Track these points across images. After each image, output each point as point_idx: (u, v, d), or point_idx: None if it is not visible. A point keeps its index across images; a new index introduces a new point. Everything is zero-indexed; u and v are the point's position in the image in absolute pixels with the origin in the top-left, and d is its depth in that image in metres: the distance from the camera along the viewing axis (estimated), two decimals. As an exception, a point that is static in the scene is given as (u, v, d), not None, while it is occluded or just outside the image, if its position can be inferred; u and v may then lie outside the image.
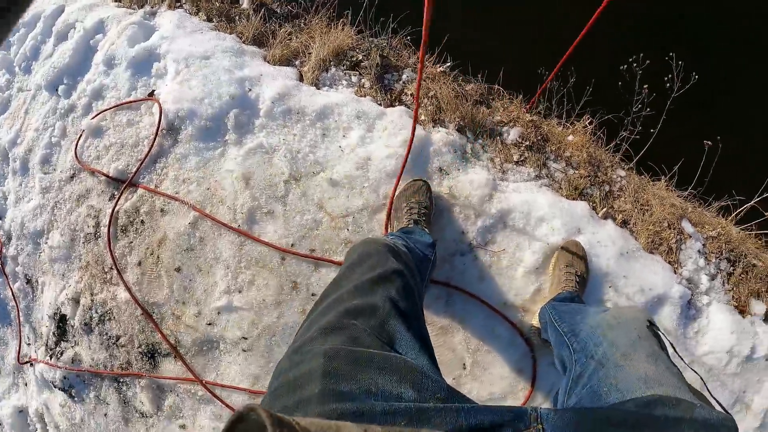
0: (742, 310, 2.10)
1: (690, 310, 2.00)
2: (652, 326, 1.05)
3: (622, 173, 2.13)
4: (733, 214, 2.23)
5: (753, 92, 2.81)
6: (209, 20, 2.30)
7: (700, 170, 2.23)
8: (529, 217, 1.87)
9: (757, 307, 2.10)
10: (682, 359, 1.09)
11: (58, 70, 2.79)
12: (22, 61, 3.18)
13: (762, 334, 1.99)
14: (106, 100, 2.50)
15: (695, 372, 1.06)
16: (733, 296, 2.11)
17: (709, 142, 2.18)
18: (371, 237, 1.24)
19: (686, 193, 2.27)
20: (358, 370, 0.68)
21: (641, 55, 2.16)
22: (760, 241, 2.26)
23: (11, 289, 2.70)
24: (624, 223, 2.04)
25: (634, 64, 2.15)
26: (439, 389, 0.71)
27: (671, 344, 1.06)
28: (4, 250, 2.75)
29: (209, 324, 2.04)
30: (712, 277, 2.11)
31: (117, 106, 2.40)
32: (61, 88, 2.75)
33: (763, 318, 2.09)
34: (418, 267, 1.26)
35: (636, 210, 2.06)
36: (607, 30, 2.67)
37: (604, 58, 2.30)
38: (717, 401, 0.91)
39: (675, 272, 2.03)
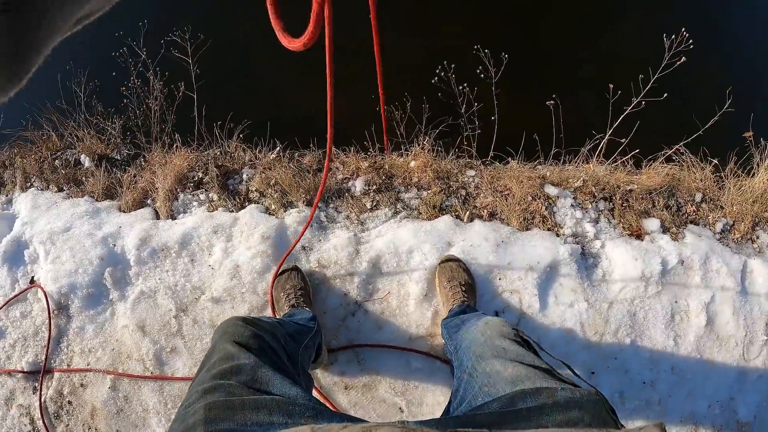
0: (638, 234, 2.29)
1: (587, 261, 2.15)
2: (518, 335, 1.19)
3: (472, 173, 2.32)
4: (595, 155, 2.42)
5: (561, 48, 3.12)
6: (60, 190, 2.41)
7: (554, 131, 2.45)
8: (399, 254, 2.03)
9: (650, 224, 2.28)
10: (551, 356, 1.18)
11: (-57, 283, 2.81)
12: None
13: (666, 244, 2.18)
14: (-6, 299, 2.56)
15: (563, 362, 1.14)
16: (623, 227, 2.29)
17: (551, 102, 2.39)
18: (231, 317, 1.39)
19: (540, 161, 2.46)
20: (233, 413, 0.81)
21: (444, 62, 2.37)
22: (628, 167, 2.47)
23: None
24: (492, 216, 2.21)
25: (442, 73, 2.36)
26: (307, 410, 0.85)
27: (539, 345, 1.20)
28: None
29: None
30: (596, 221, 2.29)
31: (6, 303, 2.46)
32: (-49, 300, 2.77)
33: (661, 230, 2.27)
34: (293, 334, 1.38)
35: (498, 199, 2.24)
36: (406, 57, 2.94)
37: (416, 79, 2.52)
38: (586, 381, 1.00)
39: (558, 235, 2.19)
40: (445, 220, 2.07)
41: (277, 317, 1.84)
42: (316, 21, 0.80)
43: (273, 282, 1.91)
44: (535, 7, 3.15)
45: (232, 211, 2.11)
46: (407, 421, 0.80)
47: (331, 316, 1.95)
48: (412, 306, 1.98)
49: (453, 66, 2.27)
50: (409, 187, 2.15)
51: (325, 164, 1.21)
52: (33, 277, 2.40)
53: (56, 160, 2.48)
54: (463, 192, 2.18)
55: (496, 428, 0.80)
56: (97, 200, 2.36)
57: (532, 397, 0.86)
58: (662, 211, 2.34)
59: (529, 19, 3.19)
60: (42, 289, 2.30)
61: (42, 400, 2.32)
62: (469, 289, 1.91)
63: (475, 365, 1.11)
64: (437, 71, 2.30)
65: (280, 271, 1.92)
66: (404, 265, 1.99)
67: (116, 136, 2.41)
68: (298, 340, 1.40)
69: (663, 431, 0.56)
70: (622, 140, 2.41)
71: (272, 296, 1.92)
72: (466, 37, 2.69)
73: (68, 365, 2.26)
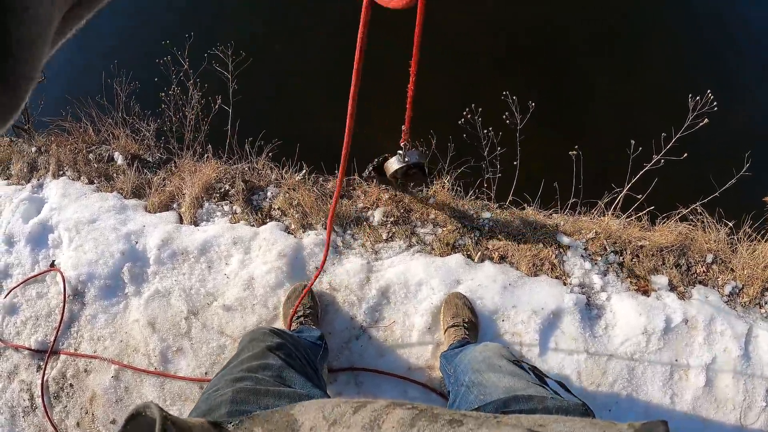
0: (645, 290, 2.33)
1: (591, 311, 2.21)
2: (513, 358, 1.27)
3: (489, 215, 2.40)
4: (611, 208, 2.48)
5: (587, 101, 3.20)
6: (91, 182, 2.53)
7: (574, 181, 2.52)
8: (408, 286, 2.11)
9: (658, 281, 2.33)
10: (548, 377, 1.20)
11: (-38, 255, 2.94)
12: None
13: (672, 302, 2.22)
14: (13, 277, 2.68)
15: (558, 383, 1.20)
16: (631, 282, 2.33)
17: (574, 152, 2.46)
18: (260, 326, 1.47)
19: (555, 210, 2.54)
20: (258, 398, 0.90)
21: (473, 105, 2.45)
22: (642, 223, 2.51)
23: (-35, 479, 2.74)
24: (502, 259, 2.29)
25: (469, 115, 2.44)
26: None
27: (535, 368, 1.24)
28: (-49, 439, 2.80)
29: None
30: (604, 273, 2.35)
31: (24, 281, 2.58)
32: (-31, 272, 2.89)
33: (668, 288, 2.31)
34: (306, 350, 1.47)
35: (510, 243, 2.31)
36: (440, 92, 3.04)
37: (446, 119, 2.61)
38: (579, 398, 1.02)
39: (565, 284, 2.25)
40: (457, 258, 2.15)
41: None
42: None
43: (300, 299, 1.98)
44: (564, 60, 3.26)
45: (253, 226, 2.22)
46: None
47: (336, 337, 2.03)
48: (414, 337, 2.05)
49: (480, 110, 2.36)
50: (425, 222, 2.24)
51: (336, 190, 1.29)
52: (54, 261, 2.52)
53: (90, 154, 2.61)
54: (477, 233, 2.26)
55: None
56: (125, 197, 2.48)
57: (524, 401, 0.93)
58: (672, 269, 2.38)
59: (558, 71, 3.29)
60: (61, 273, 2.42)
61: (44, 378, 2.43)
62: (471, 327, 1.98)
63: (472, 378, 1.18)
64: (464, 113, 2.39)
65: (292, 288, 2.00)
66: (412, 297, 2.07)
67: (149, 138, 2.53)
68: (311, 356, 1.48)
69: (666, 429, 0.56)
70: (639, 196, 2.47)
71: (293, 312, 1.99)
72: (496, 82, 2.79)
73: (75, 349, 2.37)
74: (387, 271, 2.12)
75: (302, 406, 0.73)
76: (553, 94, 3.10)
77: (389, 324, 2.08)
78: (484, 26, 3.29)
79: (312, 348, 1.62)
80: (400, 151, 2.00)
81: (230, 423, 0.75)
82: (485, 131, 2.41)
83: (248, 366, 1.07)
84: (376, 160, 2.13)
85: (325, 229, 2.18)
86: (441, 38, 3.19)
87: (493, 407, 0.95)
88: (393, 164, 2.06)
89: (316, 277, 1.67)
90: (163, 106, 2.69)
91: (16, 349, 2.57)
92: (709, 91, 2.39)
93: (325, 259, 1.53)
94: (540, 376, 1.17)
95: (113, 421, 2.26)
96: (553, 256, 2.29)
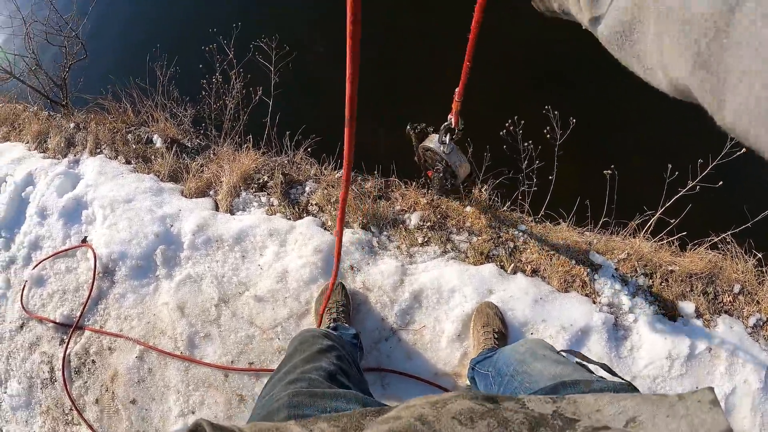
0: (672, 315, 2.33)
1: (618, 332, 2.21)
2: (554, 349, 1.27)
3: (524, 227, 2.39)
4: (643, 230, 2.47)
5: (627, 120, 3.19)
6: (128, 162, 2.55)
7: (607, 200, 2.51)
8: (441, 291, 2.11)
9: (686, 307, 2.32)
10: (593, 361, 1.17)
11: (-5, 223, 2.96)
12: (-42, 216, 3.33)
13: (697, 329, 2.21)
14: (43, 249, 2.70)
15: (599, 364, 1.13)
16: (659, 306, 2.33)
17: (609, 171, 2.45)
18: (308, 328, 1.46)
19: (589, 227, 2.53)
20: (315, 400, 0.90)
21: (515, 117, 2.45)
22: (672, 247, 2.51)
23: (-25, 445, 2.76)
24: (534, 272, 2.29)
25: (511, 127, 2.44)
26: (380, 404, 0.92)
27: (581, 354, 1.21)
28: (-35, 404, 2.82)
29: (170, 449, 2.18)
30: (633, 295, 2.34)
31: (54, 255, 2.60)
32: (0, 241, 2.91)
33: (695, 315, 2.30)
34: (351, 352, 1.48)
35: (543, 257, 2.31)
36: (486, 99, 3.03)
37: (488, 128, 2.61)
38: (627, 381, 1.00)
39: (594, 302, 2.25)
40: (490, 268, 2.14)
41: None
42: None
43: (328, 296, 1.99)
44: (609, 76, 3.23)
45: (290, 219, 2.22)
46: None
47: (365, 336, 2.03)
48: (443, 343, 2.04)
49: (522, 122, 2.35)
50: (461, 230, 2.23)
51: (342, 192, 1.27)
52: (86, 237, 2.53)
53: (129, 134, 2.62)
54: (511, 244, 2.25)
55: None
56: (162, 180, 2.49)
57: (571, 386, 0.93)
58: (699, 296, 2.37)
59: (602, 88, 3.27)
60: (93, 249, 2.43)
61: (67, 352, 2.43)
62: (501, 338, 1.98)
63: (516, 368, 1.19)
64: (507, 124, 2.38)
65: (326, 285, 2.00)
66: (444, 303, 2.07)
67: (187, 122, 2.53)
68: (352, 354, 1.48)
69: (713, 394, 0.57)
70: (672, 220, 2.46)
71: (323, 307, 1.99)
72: (537, 97, 2.78)
73: (101, 327, 2.38)
74: (421, 276, 2.12)
75: (371, 415, 0.73)
76: (594, 112, 3.09)
77: (420, 328, 2.07)
78: (531, 42, 3.28)
79: (351, 346, 1.63)
80: (445, 138, 1.95)
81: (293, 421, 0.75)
82: (525, 144, 2.40)
83: (303, 369, 1.07)
84: (423, 124, 2.10)
85: (363, 228, 2.18)
86: (488, 48, 3.19)
87: (542, 392, 0.96)
88: (430, 142, 2.01)
89: (334, 276, 1.63)
90: (203, 93, 2.70)
91: (41, 320, 2.58)
92: (750, 120, 2.36)
93: (339, 255, 1.49)
94: (585, 359, 1.16)
95: (133, 401, 2.27)
96: (585, 273, 2.29)
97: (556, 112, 2.47)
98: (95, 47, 3.35)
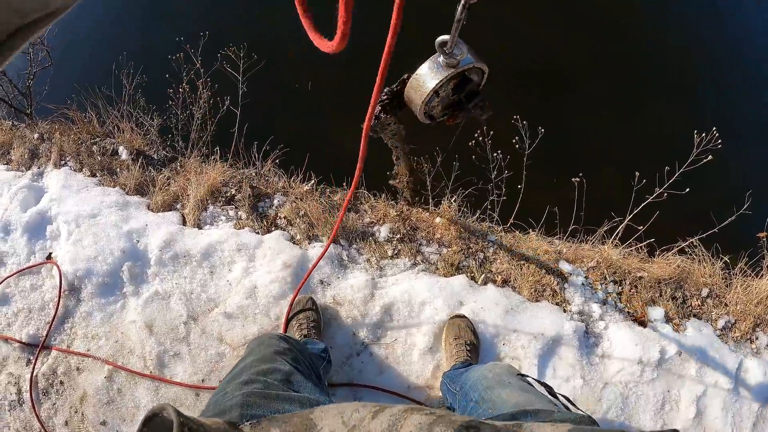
0: (642, 321, 2.35)
1: (589, 339, 2.23)
2: (521, 375, 1.28)
3: (494, 237, 2.39)
4: (612, 237, 2.49)
5: (595, 129, 3.21)
6: (93, 175, 2.48)
7: (575, 208, 2.52)
8: (412, 304, 2.09)
9: (655, 312, 2.36)
10: (558, 394, 1.15)
11: (-43, 239, 2.85)
12: None
13: (667, 334, 2.25)
14: (7, 266, 2.61)
15: (566, 398, 1.14)
16: (628, 312, 2.36)
17: (577, 179, 2.46)
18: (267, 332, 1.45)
19: (559, 236, 2.54)
20: (268, 402, 0.89)
21: (485, 128, 2.44)
22: (641, 254, 2.53)
23: (-54, 468, 2.67)
24: (505, 282, 2.28)
25: (480, 138, 2.42)
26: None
27: (546, 385, 1.23)
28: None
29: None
30: (603, 303, 2.36)
31: (18, 272, 2.51)
32: (-39, 257, 2.81)
33: (664, 320, 2.33)
34: (311, 358, 1.46)
35: (513, 267, 2.31)
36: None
37: (457, 138, 2.60)
38: (582, 411, 1.01)
39: (565, 311, 2.26)
40: (460, 280, 2.14)
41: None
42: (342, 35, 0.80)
43: (289, 310, 1.96)
44: (573, 88, 3.25)
45: (258, 233, 2.18)
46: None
47: (337, 352, 2.01)
48: (415, 356, 2.03)
49: (492, 132, 2.34)
50: (431, 241, 2.22)
51: (345, 201, 1.26)
52: (51, 253, 2.46)
53: (94, 146, 2.55)
54: (481, 255, 2.24)
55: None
56: (128, 194, 2.43)
57: (531, 415, 0.93)
58: (668, 301, 2.41)
59: (568, 98, 3.29)
60: (58, 267, 2.36)
61: (34, 373, 2.36)
62: (473, 350, 1.98)
63: (482, 395, 1.20)
64: (476, 134, 2.37)
65: (296, 299, 1.97)
66: (415, 316, 2.05)
67: (153, 132, 2.47)
68: (315, 367, 1.45)
69: None
70: (640, 227, 2.48)
71: (287, 312, 1.97)
72: (507, 106, 2.77)
73: (68, 346, 2.31)
74: (391, 289, 2.10)
75: (321, 410, 0.74)
76: (562, 121, 3.10)
77: (391, 342, 2.06)
78: (499, 52, 3.27)
79: (316, 359, 1.60)
80: (441, 53, 1.15)
81: (247, 423, 0.76)
82: (494, 154, 2.40)
83: (257, 369, 1.06)
84: (393, 86, 1.39)
85: (333, 242, 2.15)
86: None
87: (501, 419, 0.96)
88: (425, 79, 1.21)
89: (302, 284, 1.61)
90: (170, 102, 2.63)
91: (6, 340, 2.50)
92: (714, 128, 2.41)
93: (316, 263, 1.47)
94: (550, 391, 1.18)
95: (103, 422, 2.21)
96: (555, 282, 2.30)
97: (524, 122, 2.47)
98: (61, 54, 3.25)
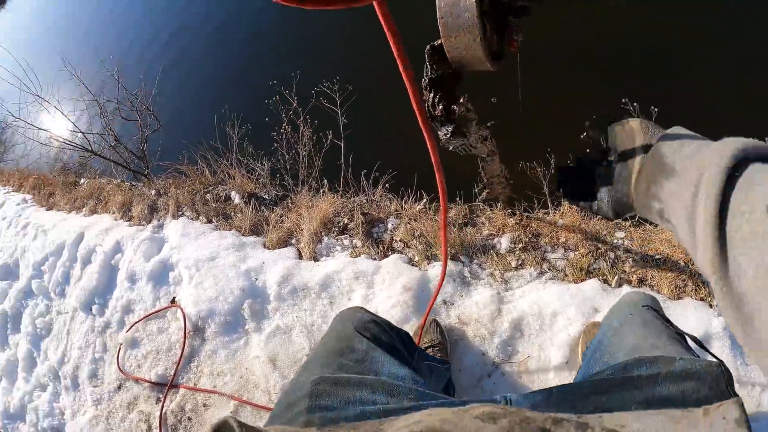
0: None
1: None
2: (646, 306, 1.11)
3: (621, 234, 2.22)
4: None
5: (707, 102, 2.98)
6: (209, 221, 2.61)
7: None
8: (543, 316, 1.97)
9: None
10: (679, 333, 1.03)
11: (88, 291, 3.11)
12: (55, 286, 3.55)
13: None
14: (135, 312, 2.78)
15: (692, 338, 1.00)
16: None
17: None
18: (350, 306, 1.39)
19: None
20: (338, 389, 0.84)
21: (594, 116, 2.31)
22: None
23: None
24: (641, 282, 2.09)
25: (591, 130, 2.30)
26: (410, 392, 0.85)
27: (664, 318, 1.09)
28: (67, 468, 2.88)
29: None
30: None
31: (145, 317, 2.67)
32: (94, 307, 3.05)
33: None
34: (400, 335, 1.28)
35: (648, 263, 2.11)
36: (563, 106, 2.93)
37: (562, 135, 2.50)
38: (715, 357, 0.87)
39: (711, 306, 2.03)
40: (592, 284, 1.99)
41: None
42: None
43: (420, 334, 1.91)
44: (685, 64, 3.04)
45: (375, 259, 2.17)
46: (509, 397, 0.80)
47: (466, 374, 1.91)
48: (551, 373, 1.89)
49: (594, 117, 2.22)
50: (555, 247, 2.10)
51: (442, 215, 1.14)
52: (174, 297, 2.59)
53: (207, 194, 2.70)
54: (612, 255, 2.08)
55: (591, 407, 0.76)
56: (243, 235, 2.53)
57: (647, 365, 0.80)
58: None
59: (679, 74, 3.09)
60: (182, 309, 2.48)
61: (163, 411, 2.45)
62: None
63: (602, 340, 1.09)
64: (586, 124, 2.26)
65: (417, 323, 1.92)
66: (547, 329, 1.93)
67: (264, 176, 2.58)
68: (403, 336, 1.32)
69: (740, 410, 0.53)
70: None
71: (417, 340, 1.91)
72: (615, 88, 2.66)
73: (195, 384, 2.38)
74: (519, 302, 1.99)
75: (392, 422, 0.68)
76: (673, 101, 2.91)
77: (523, 359, 1.93)
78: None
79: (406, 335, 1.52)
80: None
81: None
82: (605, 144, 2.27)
83: (332, 348, 1.01)
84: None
85: (452, 259, 2.10)
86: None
87: (611, 370, 0.85)
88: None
89: (430, 306, 1.54)
90: (275, 145, 2.75)
91: (137, 381, 2.63)
92: None
93: (441, 283, 1.41)
94: (679, 333, 1.02)
95: (231, 460, 2.22)
96: (696, 276, 2.08)
97: (635, 104, 2.33)
98: (167, 116, 3.54)
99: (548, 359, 1.92)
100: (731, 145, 0.46)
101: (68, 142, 4.29)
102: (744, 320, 0.40)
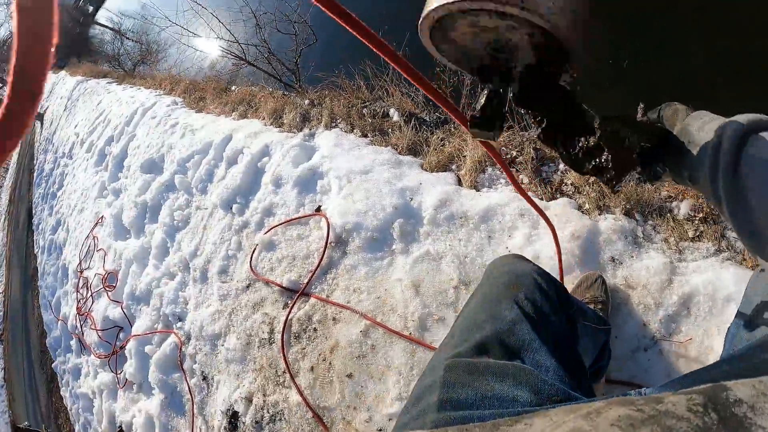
0: None
1: None
2: None
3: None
4: None
5: None
6: (364, 136, 2.60)
7: None
8: (715, 299, 1.76)
9: None
10: None
11: (231, 190, 3.27)
12: (198, 183, 3.78)
13: None
14: (276, 216, 2.88)
15: None
16: None
17: None
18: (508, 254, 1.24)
19: None
20: (474, 378, 0.74)
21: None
22: None
23: (188, 384, 3.03)
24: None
25: (641, 105, 2.01)
26: (556, 392, 0.73)
27: None
28: (183, 348, 3.12)
29: (380, 430, 2.10)
30: None
31: (287, 221, 2.75)
32: (234, 206, 3.21)
33: None
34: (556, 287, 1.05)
35: None
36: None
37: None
38: None
39: None
40: (769, 276, 1.75)
41: None
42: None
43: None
44: None
45: (542, 199, 2.05)
46: (643, 391, 0.71)
47: (621, 342, 1.77)
48: (710, 362, 1.71)
49: None
50: (735, 226, 1.86)
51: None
52: (320, 206, 2.63)
53: (364, 109, 2.68)
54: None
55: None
56: (400, 153, 2.49)
57: None
58: None
59: None
60: (327, 219, 2.51)
61: (289, 317, 2.51)
62: None
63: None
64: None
65: (584, 276, 1.81)
66: (717, 313, 1.72)
67: (422, 100, 2.51)
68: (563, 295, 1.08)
69: None
70: None
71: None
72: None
73: (327, 296, 2.42)
74: (692, 276, 1.80)
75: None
76: None
77: (685, 341, 1.76)
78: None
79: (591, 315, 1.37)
80: None
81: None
82: None
83: (475, 320, 0.87)
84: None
85: (626, 214, 1.94)
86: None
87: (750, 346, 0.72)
88: None
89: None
90: (438, 69, 2.66)
91: (267, 283, 2.75)
92: None
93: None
94: None
95: (350, 375, 2.24)
96: None
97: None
98: (325, 33, 3.54)
99: (711, 347, 1.72)
100: (745, 115, 0.62)
101: (224, 49, 4.48)
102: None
